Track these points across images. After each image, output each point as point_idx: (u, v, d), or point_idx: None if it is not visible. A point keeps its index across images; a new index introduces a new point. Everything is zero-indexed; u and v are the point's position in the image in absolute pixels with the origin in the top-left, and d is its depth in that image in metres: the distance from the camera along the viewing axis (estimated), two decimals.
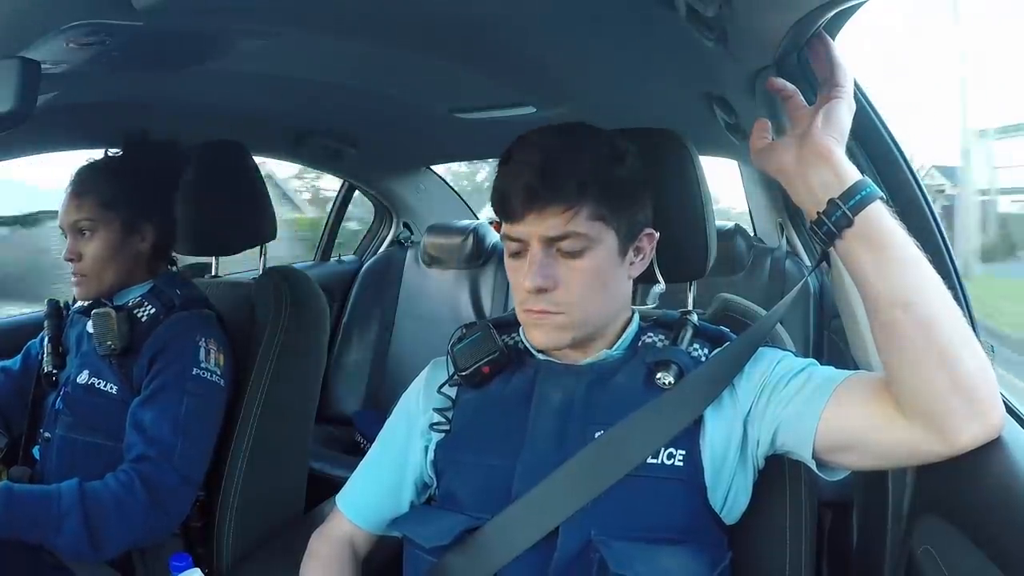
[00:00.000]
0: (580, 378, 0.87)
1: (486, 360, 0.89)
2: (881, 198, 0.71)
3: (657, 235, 0.89)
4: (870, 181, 0.71)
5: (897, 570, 0.88)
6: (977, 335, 0.74)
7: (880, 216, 0.70)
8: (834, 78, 0.76)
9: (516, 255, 0.85)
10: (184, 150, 1.39)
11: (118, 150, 1.34)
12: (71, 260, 1.24)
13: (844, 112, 0.75)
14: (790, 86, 0.81)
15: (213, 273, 1.57)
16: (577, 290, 0.82)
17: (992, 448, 0.68)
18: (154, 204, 1.31)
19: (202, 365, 1.21)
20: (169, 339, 1.22)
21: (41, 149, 1.57)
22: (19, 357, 1.42)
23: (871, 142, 1.04)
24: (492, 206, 0.88)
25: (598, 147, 0.84)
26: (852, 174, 0.72)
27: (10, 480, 1.18)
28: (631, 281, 0.90)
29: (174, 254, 1.40)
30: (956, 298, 0.71)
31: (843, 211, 0.70)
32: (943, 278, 0.71)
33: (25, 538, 1.07)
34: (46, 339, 1.36)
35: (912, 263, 0.70)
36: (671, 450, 0.80)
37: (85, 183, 1.27)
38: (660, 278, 0.95)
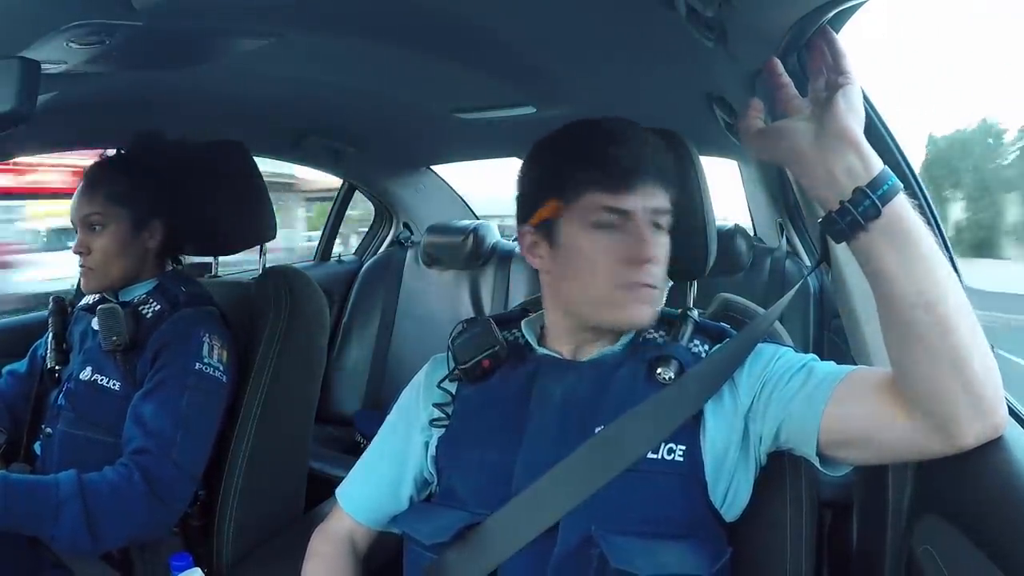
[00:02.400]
0: (581, 373, 0.87)
1: (486, 354, 0.89)
2: (904, 190, 0.66)
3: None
4: (891, 171, 0.67)
5: (897, 570, 0.87)
6: None
7: (905, 208, 0.66)
8: (841, 66, 0.72)
9: (609, 229, 0.83)
10: (194, 149, 1.40)
11: (130, 147, 1.35)
12: (80, 253, 1.27)
13: (860, 97, 0.71)
14: (787, 76, 0.78)
15: (213, 273, 1.57)
16: (663, 267, 0.86)
17: (993, 448, 0.68)
18: (164, 201, 1.32)
19: (205, 360, 1.22)
20: (173, 335, 1.22)
21: (42, 149, 1.57)
22: (27, 360, 1.43)
23: (871, 142, 1.03)
24: (581, 173, 0.82)
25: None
26: (878, 162, 0.67)
27: None
28: None
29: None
30: None
31: (872, 200, 0.65)
32: None
33: (22, 529, 1.06)
34: (50, 335, 1.36)
35: (935, 261, 0.66)
36: (671, 445, 0.80)
37: (96, 178, 1.29)
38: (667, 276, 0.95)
